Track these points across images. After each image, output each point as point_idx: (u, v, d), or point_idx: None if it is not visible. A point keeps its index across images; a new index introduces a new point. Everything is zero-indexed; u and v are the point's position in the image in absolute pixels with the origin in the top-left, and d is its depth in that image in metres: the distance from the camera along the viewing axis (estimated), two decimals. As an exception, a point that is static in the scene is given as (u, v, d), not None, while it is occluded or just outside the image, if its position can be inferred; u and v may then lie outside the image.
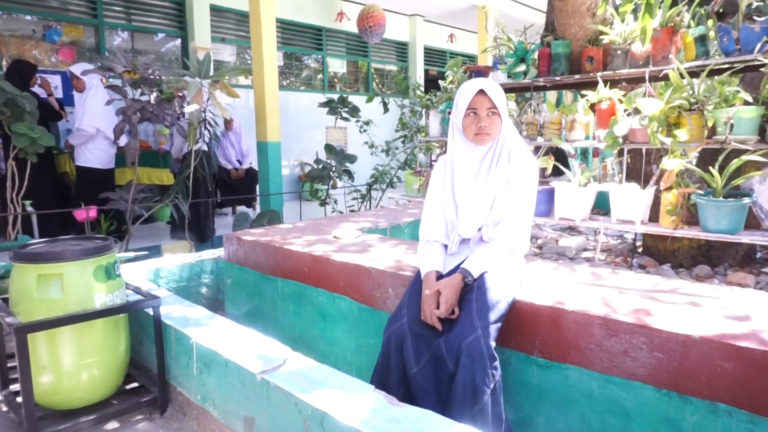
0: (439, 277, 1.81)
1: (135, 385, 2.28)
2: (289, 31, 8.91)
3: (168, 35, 7.54)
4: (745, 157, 2.21)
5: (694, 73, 2.54)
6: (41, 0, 6.29)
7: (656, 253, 3.66)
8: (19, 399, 1.88)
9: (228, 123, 6.48)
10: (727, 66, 2.46)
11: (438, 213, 1.94)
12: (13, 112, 4.12)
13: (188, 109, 4.39)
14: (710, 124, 2.39)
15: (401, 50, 10.94)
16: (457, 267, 1.80)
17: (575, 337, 1.66)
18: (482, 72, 3.39)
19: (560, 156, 3.25)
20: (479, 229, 1.84)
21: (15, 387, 2.23)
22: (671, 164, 2.32)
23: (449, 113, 1.97)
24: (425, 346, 1.70)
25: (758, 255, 3.75)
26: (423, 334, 1.71)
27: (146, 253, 3.50)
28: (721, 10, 2.85)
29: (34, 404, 1.87)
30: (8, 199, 4.36)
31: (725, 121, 2.26)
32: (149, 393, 2.20)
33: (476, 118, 1.81)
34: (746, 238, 2.23)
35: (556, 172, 3.11)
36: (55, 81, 6.21)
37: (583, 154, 6.86)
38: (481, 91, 1.78)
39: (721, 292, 1.84)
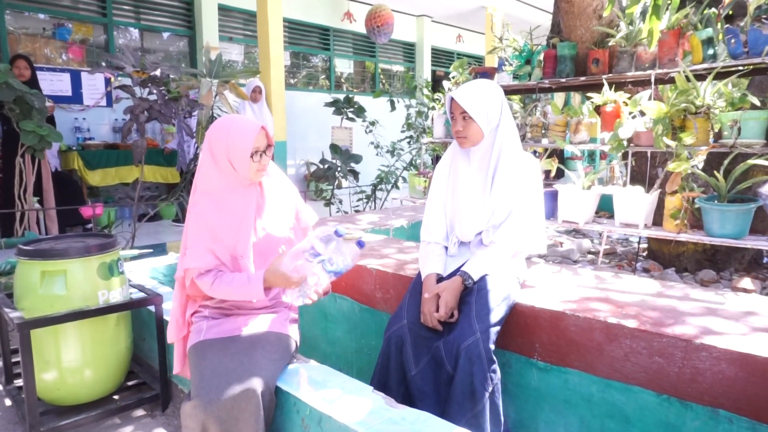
0: (440, 279, 1.81)
1: (137, 381, 2.29)
2: (296, 31, 8.92)
3: (176, 34, 7.57)
4: (751, 161, 2.19)
5: (700, 76, 2.51)
6: (52, -2, 6.34)
7: (661, 256, 3.63)
8: (23, 394, 1.90)
9: (254, 93, 6.07)
10: (734, 69, 2.44)
11: (439, 215, 1.94)
12: (22, 109, 4.15)
13: (201, 106, 4.42)
14: (716, 128, 2.37)
15: (408, 51, 10.93)
16: (458, 269, 1.80)
17: (575, 340, 1.65)
18: (487, 73, 3.38)
19: (559, 158, 3.24)
20: (478, 234, 1.84)
21: (19, 382, 2.25)
22: (676, 167, 2.30)
23: (451, 115, 1.98)
24: (425, 348, 1.70)
25: (765, 260, 3.71)
26: (423, 335, 1.71)
27: (151, 251, 3.51)
28: (730, 12, 2.83)
29: (37, 399, 1.88)
30: (15, 196, 4.40)
31: (731, 125, 2.25)
32: (151, 390, 2.22)
33: (454, 123, 1.84)
34: (751, 243, 2.21)
35: (558, 174, 3.10)
36: (65, 79, 6.26)
37: (590, 156, 6.83)
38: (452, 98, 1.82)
39: (725, 297, 1.83)
